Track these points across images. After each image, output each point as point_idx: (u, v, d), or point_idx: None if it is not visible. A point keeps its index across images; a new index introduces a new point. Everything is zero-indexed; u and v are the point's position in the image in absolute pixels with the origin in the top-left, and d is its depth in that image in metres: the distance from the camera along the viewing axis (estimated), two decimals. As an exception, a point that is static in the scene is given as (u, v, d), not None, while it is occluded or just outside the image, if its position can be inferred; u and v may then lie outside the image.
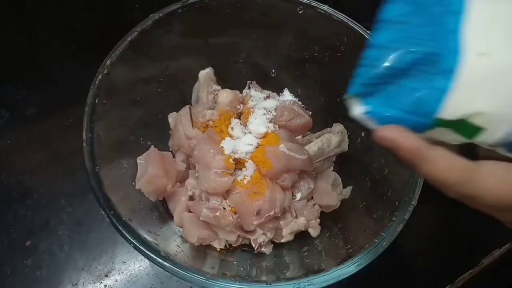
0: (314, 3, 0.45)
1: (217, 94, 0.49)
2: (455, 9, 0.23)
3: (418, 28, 0.23)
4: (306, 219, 0.45)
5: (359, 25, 0.44)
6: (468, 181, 0.23)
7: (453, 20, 0.23)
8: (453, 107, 0.23)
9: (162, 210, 0.45)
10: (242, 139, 0.45)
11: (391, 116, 0.24)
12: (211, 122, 0.46)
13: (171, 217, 0.45)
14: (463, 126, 0.23)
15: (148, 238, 0.37)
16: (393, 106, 0.24)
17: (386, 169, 0.43)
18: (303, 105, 0.49)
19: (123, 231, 0.35)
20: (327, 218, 0.47)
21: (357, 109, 0.26)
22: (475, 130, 0.23)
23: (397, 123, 0.24)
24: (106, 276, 0.47)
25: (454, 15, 0.23)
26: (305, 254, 0.44)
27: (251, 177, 0.43)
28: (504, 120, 0.23)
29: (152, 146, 0.45)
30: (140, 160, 0.43)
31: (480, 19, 0.23)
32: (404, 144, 0.23)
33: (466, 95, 0.23)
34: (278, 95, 0.51)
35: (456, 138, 0.24)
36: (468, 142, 0.24)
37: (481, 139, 0.24)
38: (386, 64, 0.24)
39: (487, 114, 0.23)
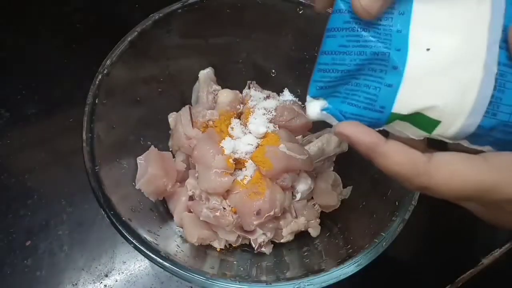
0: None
1: (217, 94, 0.49)
2: (401, 11, 0.24)
3: (365, 32, 0.24)
4: (306, 219, 0.45)
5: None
6: (421, 173, 0.23)
7: (399, 21, 0.24)
8: (405, 101, 0.24)
9: (162, 210, 0.45)
10: (242, 139, 0.45)
11: (349, 112, 0.26)
12: (211, 122, 0.46)
13: (171, 217, 0.45)
14: (419, 119, 0.24)
15: (148, 238, 0.37)
16: (350, 103, 0.26)
17: (386, 169, 0.43)
18: (303, 105, 0.49)
19: (123, 231, 0.35)
20: (327, 218, 0.47)
21: (316, 109, 0.27)
22: (432, 123, 0.24)
23: (355, 119, 0.26)
24: (106, 276, 0.47)
25: (400, 16, 0.24)
26: (305, 254, 0.44)
27: (251, 177, 0.43)
28: (456, 112, 0.24)
29: (152, 146, 0.45)
30: (140, 160, 0.43)
31: (425, 18, 0.24)
32: (360, 139, 0.24)
33: (416, 90, 0.24)
34: (278, 95, 0.51)
35: (417, 133, 0.25)
36: (430, 136, 0.25)
37: (439, 132, 0.25)
38: (338, 67, 0.25)
39: (438, 107, 0.24)
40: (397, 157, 0.23)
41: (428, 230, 0.53)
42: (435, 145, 0.27)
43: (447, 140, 0.26)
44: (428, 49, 0.24)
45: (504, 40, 0.23)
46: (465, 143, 0.26)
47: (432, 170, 0.23)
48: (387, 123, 0.25)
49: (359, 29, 0.25)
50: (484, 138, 0.24)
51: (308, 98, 0.28)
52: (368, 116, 0.25)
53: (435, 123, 0.24)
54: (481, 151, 0.25)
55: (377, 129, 0.25)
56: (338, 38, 0.26)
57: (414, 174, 0.23)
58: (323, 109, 0.27)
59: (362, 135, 0.24)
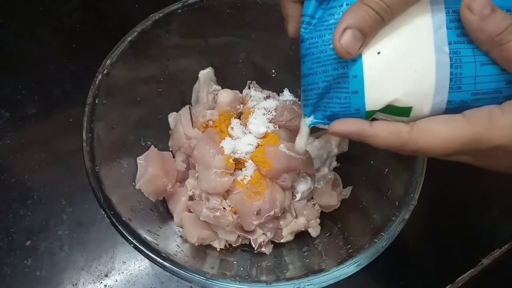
0: (314, 3, 0.45)
1: (217, 94, 0.49)
2: None
3: (322, 54, 0.28)
4: (306, 219, 0.45)
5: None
6: (407, 142, 0.26)
7: None
8: (373, 100, 0.27)
9: (162, 210, 0.45)
10: (242, 139, 0.45)
11: (334, 116, 0.30)
12: (211, 122, 0.46)
13: (171, 217, 0.45)
14: (394, 109, 0.27)
15: (148, 238, 0.37)
16: (331, 113, 0.30)
17: (386, 169, 0.43)
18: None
19: (123, 231, 0.35)
20: (327, 218, 0.47)
21: (309, 122, 0.32)
22: (405, 110, 0.27)
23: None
24: (106, 276, 0.47)
25: None
26: (305, 254, 0.44)
27: (251, 177, 0.43)
28: (421, 96, 0.27)
29: (152, 146, 0.45)
30: (140, 160, 0.43)
31: None
32: (349, 131, 0.28)
33: (378, 89, 0.27)
34: (278, 95, 0.50)
35: (398, 118, 0.28)
36: (410, 120, 0.28)
37: (416, 114, 0.27)
38: (312, 86, 0.30)
39: (401, 97, 0.27)
40: (382, 134, 0.27)
41: (428, 230, 0.53)
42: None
43: None
44: (378, 53, 0.27)
45: (453, 21, 0.26)
46: None
47: (415, 135, 0.26)
48: (368, 119, 0.29)
49: (317, 52, 0.29)
50: (460, 110, 0.27)
51: (306, 116, 0.32)
52: (350, 117, 0.29)
53: (408, 109, 0.27)
54: None
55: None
56: (306, 63, 0.30)
57: (402, 144, 0.27)
58: (310, 124, 0.32)
59: (350, 127, 0.28)
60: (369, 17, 0.25)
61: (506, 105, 0.25)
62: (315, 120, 0.31)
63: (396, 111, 0.27)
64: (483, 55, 0.26)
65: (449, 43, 0.26)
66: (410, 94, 0.27)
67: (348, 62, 0.27)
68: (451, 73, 0.26)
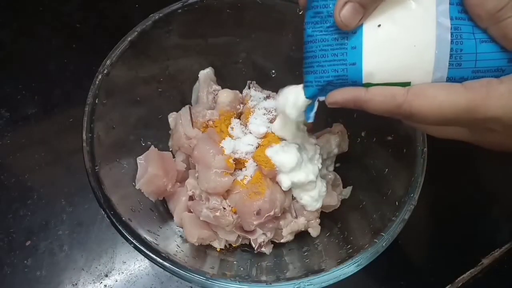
0: (314, 3, 0.45)
1: (217, 94, 0.49)
2: None
3: (325, 23, 0.28)
4: (306, 219, 0.45)
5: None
6: (402, 104, 0.26)
7: None
8: (370, 73, 0.27)
9: (162, 210, 0.45)
10: (242, 139, 0.45)
11: (331, 87, 0.30)
12: (211, 122, 0.46)
13: (171, 217, 0.45)
14: (391, 85, 0.27)
15: (148, 238, 0.37)
16: (328, 82, 0.29)
17: (386, 169, 0.43)
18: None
19: (123, 231, 0.35)
20: (327, 218, 0.47)
21: (305, 93, 0.32)
22: (403, 85, 0.27)
23: None
24: (106, 276, 0.47)
25: None
26: (305, 254, 0.44)
27: (251, 177, 0.43)
28: (420, 72, 0.26)
29: (152, 146, 0.45)
30: (140, 160, 0.43)
31: None
32: (345, 98, 0.28)
33: (377, 62, 0.27)
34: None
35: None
36: None
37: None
38: (312, 55, 0.30)
39: (399, 72, 0.27)
40: (378, 97, 0.27)
41: (428, 230, 0.53)
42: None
43: None
44: (379, 25, 0.27)
45: None
46: None
47: (410, 98, 0.26)
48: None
49: (320, 22, 0.29)
50: None
51: (308, 95, 0.32)
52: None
53: (406, 84, 0.27)
54: None
55: None
56: (308, 29, 0.30)
57: (397, 106, 0.26)
58: (309, 96, 0.32)
59: (345, 95, 0.28)
60: None
61: (505, 77, 0.25)
62: (311, 90, 0.31)
63: (395, 85, 0.27)
64: (482, 33, 0.25)
65: (451, 19, 0.26)
66: (409, 69, 0.27)
67: (348, 33, 0.27)
68: (451, 49, 0.26)
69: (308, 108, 0.34)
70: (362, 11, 0.26)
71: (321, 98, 0.31)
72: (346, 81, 0.28)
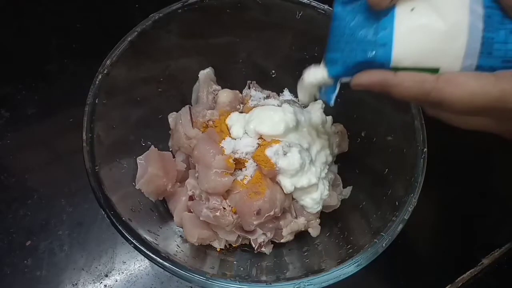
0: (314, 3, 0.45)
1: (217, 94, 0.49)
2: None
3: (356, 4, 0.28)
4: (306, 219, 0.45)
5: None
6: (431, 90, 0.26)
7: None
8: (400, 56, 0.27)
9: (162, 210, 0.45)
10: (242, 139, 0.45)
11: (357, 68, 0.29)
12: (211, 122, 0.46)
13: (171, 217, 0.45)
14: (420, 70, 0.27)
15: (148, 238, 0.37)
16: (355, 63, 0.29)
17: (386, 169, 0.43)
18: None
19: (123, 231, 0.35)
20: (327, 218, 0.47)
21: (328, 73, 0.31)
22: (432, 71, 0.26)
23: None
24: (106, 276, 0.47)
25: None
26: (305, 254, 0.44)
27: (251, 177, 0.43)
28: (450, 59, 0.26)
29: (152, 146, 0.45)
30: (140, 160, 0.43)
31: None
32: (372, 80, 0.27)
33: (407, 45, 0.26)
34: (278, 95, 0.51)
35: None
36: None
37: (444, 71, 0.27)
38: (340, 32, 0.29)
39: (429, 57, 0.26)
40: (406, 83, 0.26)
41: (428, 230, 0.53)
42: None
43: None
44: (412, 9, 0.26)
45: None
46: None
47: (441, 85, 0.25)
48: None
49: (351, 0, 0.28)
50: None
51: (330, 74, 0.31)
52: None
53: (435, 70, 0.26)
54: None
55: None
56: (337, 7, 0.29)
57: (426, 92, 0.26)
58: (333, 76, 0.30)
59: (372, 77, 0.27)
60: None
61: None
62: (336, 69, 0.30)
63: (422, 70, 0.27)
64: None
65: (484, 7, 0.25)
66: (439, 55, 0.26)
67: (380, 14, 0.27)
68: (483, 37, 0.25)
69: (329, 89, 0.33)
70: None
71: (344, 80, 0.30)
72: (373, 63, 0.28)
